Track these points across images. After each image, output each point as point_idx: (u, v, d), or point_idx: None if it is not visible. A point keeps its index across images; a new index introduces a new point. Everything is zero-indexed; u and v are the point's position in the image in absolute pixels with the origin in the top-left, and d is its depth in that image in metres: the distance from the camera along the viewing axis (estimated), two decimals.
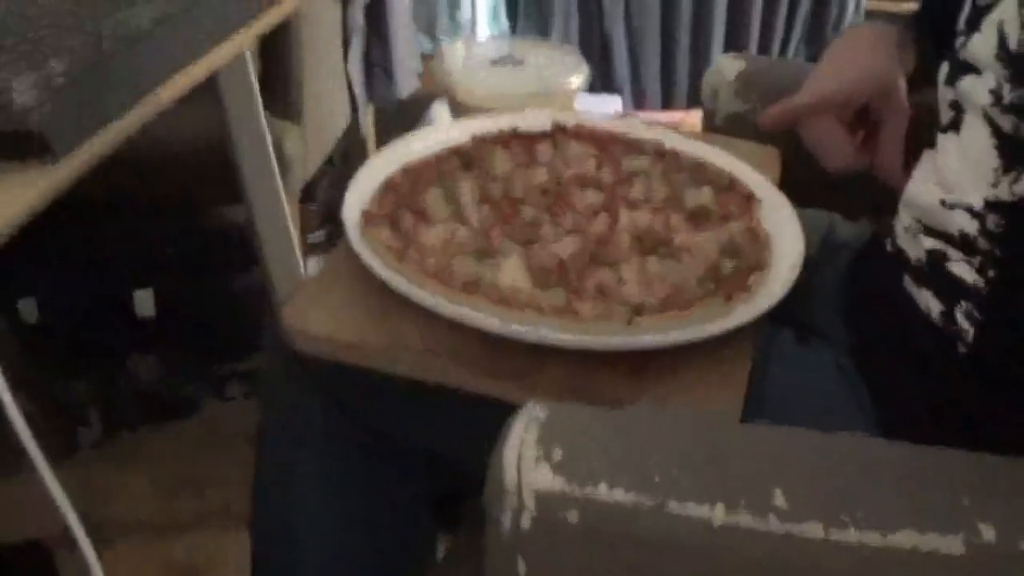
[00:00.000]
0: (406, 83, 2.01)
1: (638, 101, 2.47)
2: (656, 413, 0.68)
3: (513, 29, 2.42)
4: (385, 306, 0.77)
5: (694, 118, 2.08)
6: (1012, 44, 0.72)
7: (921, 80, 0.96)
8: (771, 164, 1.01)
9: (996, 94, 0.73)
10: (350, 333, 0.75)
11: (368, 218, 0.83)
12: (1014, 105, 0.71)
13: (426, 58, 2.21)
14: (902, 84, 0.95)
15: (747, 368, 0.75)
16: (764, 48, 2.47)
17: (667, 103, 2.48)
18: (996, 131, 0.73)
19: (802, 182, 0.98)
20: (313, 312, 0.77)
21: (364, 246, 0.80)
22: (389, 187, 0.88)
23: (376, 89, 1.99)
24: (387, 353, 0.74)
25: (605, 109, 2.26)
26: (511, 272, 0.78)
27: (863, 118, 0.97)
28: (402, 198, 0.87)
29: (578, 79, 1.14)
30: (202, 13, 0.86)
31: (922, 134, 0.87)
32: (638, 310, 0.75)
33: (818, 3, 2.45)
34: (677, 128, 1.04)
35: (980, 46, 0.76)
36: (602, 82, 2.45)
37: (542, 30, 2.40)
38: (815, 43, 2.49)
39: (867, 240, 0.94)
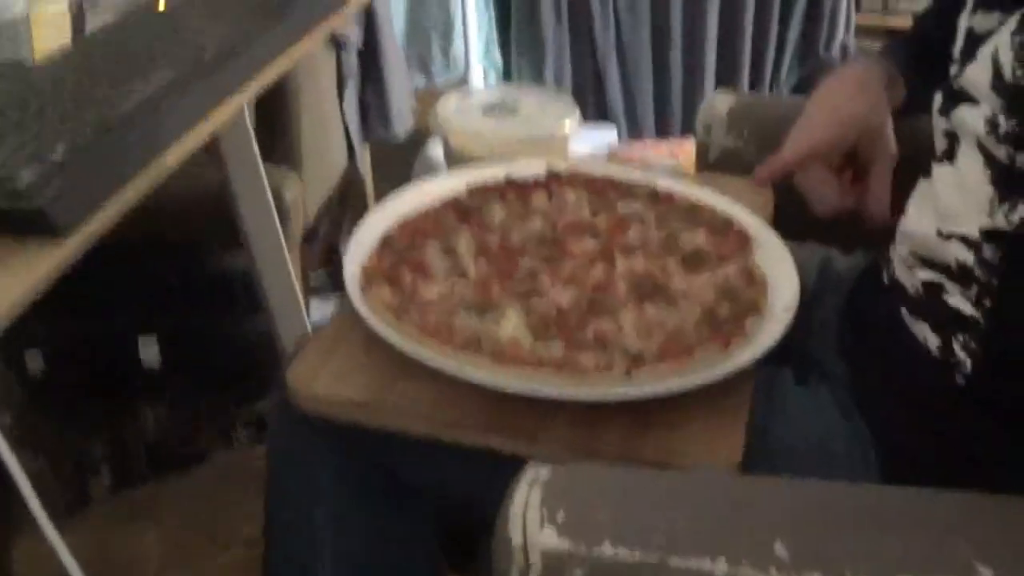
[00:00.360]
0: (401, 123, 2.03)
1: (632, 131, 2.48)
2: (655, 470, 0.69)
3: (506, 65, 2.43)
4: (389, 366, 0.77)
5: (688, 146, 2.09)
6: (1007, 75, 0.72)
7: (911, 108, 0.97)
8: (764, 204, 1.02)
9: (992, 124, 0.72)
10: (356, 395, 0.76)
11: (367, 274, 0.84)
12: (1009, 136, 0.71)
13: (419, 92, 2.23)
14: (889, 126, 0.96)
15: (747, 412, 0.75)
16: (756, 68, 2.48)
17: (661, 132, 2.49)
18: (991, 161, 0.73)
19: (797, 217, 0.98)
20: (317, 374, 0.77)
21: (365, 305, 0.81)
22: (387, 242, 0.89)
23: (372, 131, 2.01)
24: (394, 414, 0.75)
25: (600, 139, 2.28)
26: (511, 327, 0.79)
27: (852, 159, 0.97)
28: (400, 253, 0.88)
29: (571, 124, 1.16)
30: (206, 76, 0.87)
31: (914, 169, 0.87)
32: (637, 358, 0.75)
33: (809, 21, 2.45)
34: (673, 155, 1.05)
35: (976, 76, 0.75)
36: (597, 112, 2.46)
37: (535, 65, 2.41)
38: (807, 62, 2.50)
39: (864, 272, 0.95)
